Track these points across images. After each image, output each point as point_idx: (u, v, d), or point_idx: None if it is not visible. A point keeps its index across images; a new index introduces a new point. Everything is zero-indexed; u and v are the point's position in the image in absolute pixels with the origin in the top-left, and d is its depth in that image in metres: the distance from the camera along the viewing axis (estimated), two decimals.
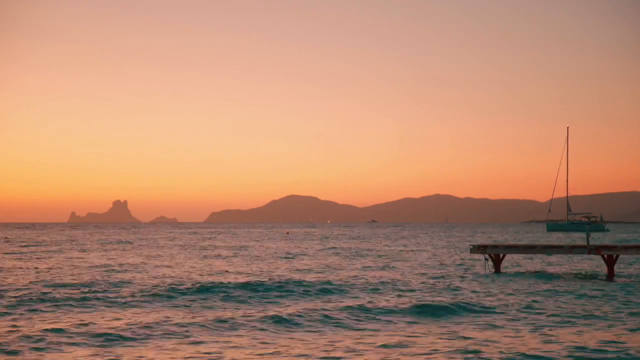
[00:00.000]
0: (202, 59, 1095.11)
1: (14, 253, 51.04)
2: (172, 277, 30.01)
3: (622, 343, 14.76)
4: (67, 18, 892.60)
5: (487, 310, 19.80)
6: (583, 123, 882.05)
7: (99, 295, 22.88)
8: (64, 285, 25.80)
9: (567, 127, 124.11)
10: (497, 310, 19.69)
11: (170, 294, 23.21)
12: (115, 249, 58.03)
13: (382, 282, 28.15)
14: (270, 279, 28.21)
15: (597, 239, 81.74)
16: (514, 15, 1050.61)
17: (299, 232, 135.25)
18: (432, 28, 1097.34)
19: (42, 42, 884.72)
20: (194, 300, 21.82)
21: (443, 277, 30.93)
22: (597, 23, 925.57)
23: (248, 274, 32.21)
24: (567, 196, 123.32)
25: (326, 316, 18.32)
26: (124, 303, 21.04)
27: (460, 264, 38.96)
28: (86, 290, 24.02)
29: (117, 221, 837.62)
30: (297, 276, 30.51)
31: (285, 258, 45.99)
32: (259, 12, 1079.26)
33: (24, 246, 63.29)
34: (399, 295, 23.40)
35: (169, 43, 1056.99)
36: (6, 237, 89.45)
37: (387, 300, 21.79)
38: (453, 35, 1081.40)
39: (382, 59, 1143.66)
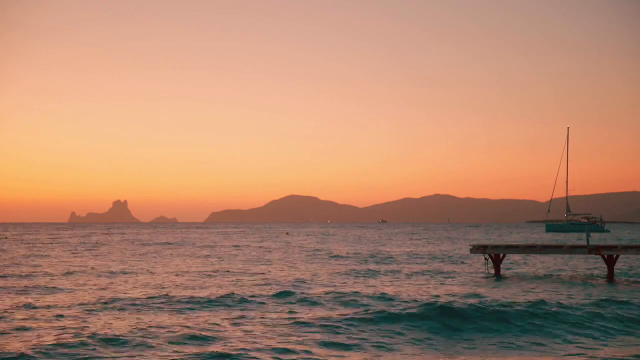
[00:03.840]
0: (202, 60, 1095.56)
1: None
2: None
3: None
4: (67, 20, 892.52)
5: None
6: (583, 123, 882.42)
7: None
8: None
9: (568, 128, 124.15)
10: None
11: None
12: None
13: None
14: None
15: (597, 239, 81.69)
16: (515, 15, 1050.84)
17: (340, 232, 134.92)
18: (433, 29, 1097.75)
19: (43, 44, 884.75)
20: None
21: None
22: (597, 23, 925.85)
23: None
24: (567, 196, 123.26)
25: None
26: None
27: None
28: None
29: (117, 221, 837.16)
30: None
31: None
32: (258, 12, 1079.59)
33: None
34: None
35: (169, 45, 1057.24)
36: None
37: None
38: (457, 36, 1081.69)
39: (382, 59, 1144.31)
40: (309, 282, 28.70)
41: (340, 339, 15.46)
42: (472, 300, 20.66)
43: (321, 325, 16.86)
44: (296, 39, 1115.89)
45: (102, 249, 61.22)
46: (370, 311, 18.64)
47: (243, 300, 21.98)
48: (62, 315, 18.75)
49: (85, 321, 17.68)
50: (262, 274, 33.24)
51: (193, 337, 15.34)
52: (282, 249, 59.41)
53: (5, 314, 18.85)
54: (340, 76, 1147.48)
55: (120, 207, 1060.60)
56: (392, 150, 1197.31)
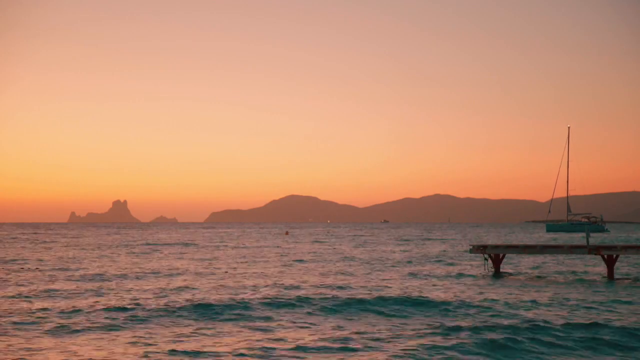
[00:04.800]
0: (202, 60, 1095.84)
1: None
2: None
3: None
4: (67, 20, 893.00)
5: None
6: (583, 123, 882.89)
7: None
8: None
9: (568, 128, 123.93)
10: None
11: None
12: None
13: None
14: None
15: (598, 240, 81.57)
16: (515, 15, 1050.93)
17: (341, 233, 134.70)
18: (433, 29, 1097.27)
19: (43, 44, 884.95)
20: None
21: None
22: (597, 23, 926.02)
23: None
24: (567, 196, 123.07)
25: None
26: None
27: None
28: None
29: (117, 221, 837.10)
30: None
31: None
32: (258, 12, 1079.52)
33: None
34: None
35: (169, 45, 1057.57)
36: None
37: None
38: (457, 36, 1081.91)
39: (382, 59, 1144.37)
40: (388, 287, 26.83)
41: None
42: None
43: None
44: (296, 39, 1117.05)
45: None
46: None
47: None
48: None
49: None
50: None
51: None
52: (320, 253, 55.28)
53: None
54: (340, 76, 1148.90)
55: (120, 207, 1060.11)
56: (392, 150, 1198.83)
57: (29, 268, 36.57)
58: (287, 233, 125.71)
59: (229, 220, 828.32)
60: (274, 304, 21.15)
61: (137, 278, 30.64)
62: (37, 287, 26.04)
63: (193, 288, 25.95)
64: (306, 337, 15.57)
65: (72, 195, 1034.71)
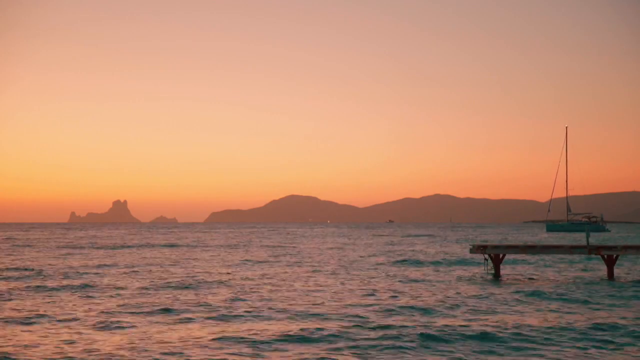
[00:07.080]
0: (202, 60, 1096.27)
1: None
2: None
3: None
4: (67, 20, 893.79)
5: None
6: (583, 123, 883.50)
7: None
8: None
9: (566, 128, 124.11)
10: None
11: None
12: None
13: None
14: None
15: (598, 240, 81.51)
16: (515, 15, 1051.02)
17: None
18: (433, 29, 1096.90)
19: (43, 44, 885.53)
20: None
21: None
22: (597, 23, 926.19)
23: None
24: (567, 196, 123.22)
25: None
26: None
27: None
28: None
29: (117, 221, 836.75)
30: None
31: None
32: (258, 12, 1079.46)
33: None
34: None
35: (169, 45, 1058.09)
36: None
37: None
38: (457, 36, 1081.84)
39: (382, 59, 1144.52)
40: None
41: None
42: None
43: None
44: (296, 39, 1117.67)
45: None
46: None
47: None
48: None
49: None
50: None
51: None
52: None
53: None
54: (340, 76, 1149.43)
55: (120, 207, 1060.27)
56: (392, 150, 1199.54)
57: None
58: (288, 233, 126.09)
59: (229, 220, 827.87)
60: None
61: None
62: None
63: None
64: None
65: (72, 195, 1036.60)
